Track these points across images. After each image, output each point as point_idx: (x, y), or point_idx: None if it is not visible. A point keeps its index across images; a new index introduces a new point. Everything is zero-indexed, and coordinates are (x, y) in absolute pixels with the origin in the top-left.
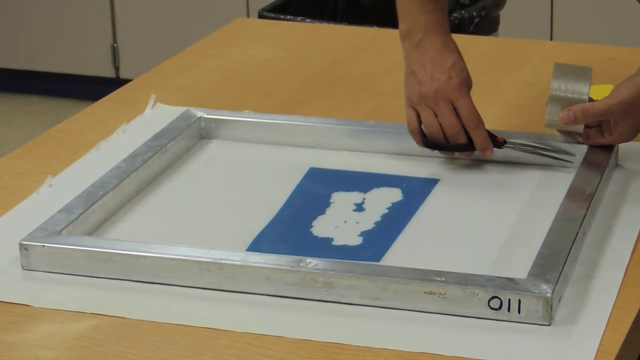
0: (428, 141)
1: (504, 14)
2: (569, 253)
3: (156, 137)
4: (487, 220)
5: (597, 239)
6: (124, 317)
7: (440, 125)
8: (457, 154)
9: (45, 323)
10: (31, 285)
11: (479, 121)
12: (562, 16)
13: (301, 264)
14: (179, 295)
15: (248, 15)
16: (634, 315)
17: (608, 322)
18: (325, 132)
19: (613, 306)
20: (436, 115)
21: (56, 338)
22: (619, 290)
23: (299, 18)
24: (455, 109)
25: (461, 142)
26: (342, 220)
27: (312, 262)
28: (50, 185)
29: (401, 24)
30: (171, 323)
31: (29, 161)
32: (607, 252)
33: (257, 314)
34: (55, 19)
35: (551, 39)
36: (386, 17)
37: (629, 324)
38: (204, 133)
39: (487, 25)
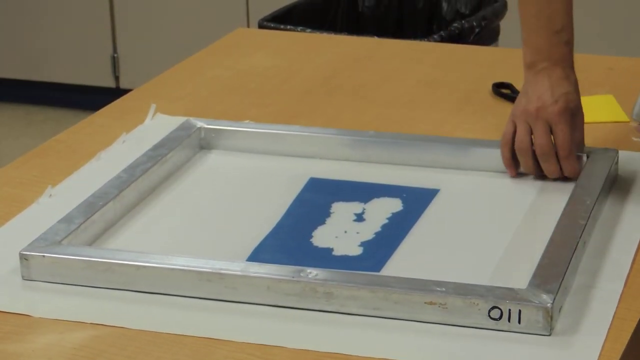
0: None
1: (504, 24)
2: (569, 263)
3: (156, 147)
4: (487, 230)
5: (598, 248)
6: (124, 327)
7: (533, 143)
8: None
9: (45, 333)
10: (31, 295)
11: (571, 150)
12: None
13: (301, 274)
14: (179, 305)
15: (248, 25)
16: (634, 325)
17: (608, 332)
18: (325, 142)
19: (613, 316)
20: (531, 134)
21: (56, 348)
22: (619, 301)
23: (299, 28)
24: (552, 133)
25: (549, 165)
26: (343, 231)
27: (312, 272)
28: (51, 195)
29: (526, 54)
30: (171, 333)
31: (29, 171)
32: (607, 262)
33: (258, 324)
34: (56, 29)
35: None
36: (386, 27)
37: (629, 334)
38: (203, 143)
39: (487, 35)
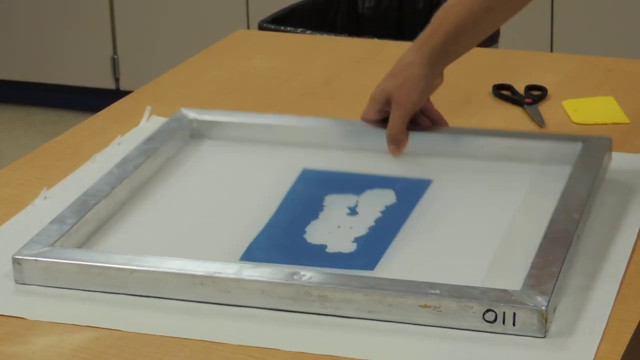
0: None
1: (504, 26)
2: (563, 262)
3: (148, 140)
4: (480, 224)
5: (594, 249)
6: (123, 330)
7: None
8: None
9: (44, 335)
10: (28, 298)
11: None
12: (562, 28)
13: (295, 277)
14: (179, 308)
15: (248, 27)
16: (634, 326)
17: (608, 333)
18: (318, 131)
19: (610, 317)
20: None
21: (56, 350)
22: (614, 301)
23: (299, 29)
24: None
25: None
26: (336, 226)
27: (306, 275)
28: (46, 197)
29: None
30: (170, 336)
31: (29, 172)
32: (603, 263)
33: (256, 327)
34: (56, 31)
35: (551, 51)
36: (386, 29)
37: (629, 336)
38: (195, 133)
39: (487, 37)
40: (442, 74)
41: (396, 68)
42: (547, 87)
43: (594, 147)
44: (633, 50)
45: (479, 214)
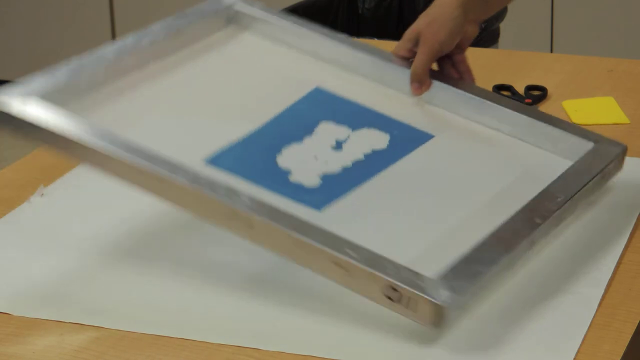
0: None
1: (504, 26)
2: (496, 264)
3: (178, 17)
4: (450, 198)
5: (581, 252)
6: (124, 330)
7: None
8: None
9: (45, 335)
10: (27, 297)
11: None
12: (563, 28)
13: (233, 197)
14: (179, 309)
15: None
16: (634, 327)
17: (608, 334)
18: (348, 53)
19: (612, 319)
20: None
21: (57, 350)
22: (614, 304)
23: None
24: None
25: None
26: (313, 156)
27: (244, 198)
28: (42, 194)
29: None
30: (171, 337)
31: (29, 173)
32: (585, 267)
33: (258, 328)
34: (56, 31)
35: (551, 51)
36: (386, 29)
37: (629, 336)
38: (232, 21)
39: (487, 37)
40: (477, 24)
41: (431, 7)
42: (547, 87)
43: (602, 152)
44: (633, 51)
45: (456, 187)
